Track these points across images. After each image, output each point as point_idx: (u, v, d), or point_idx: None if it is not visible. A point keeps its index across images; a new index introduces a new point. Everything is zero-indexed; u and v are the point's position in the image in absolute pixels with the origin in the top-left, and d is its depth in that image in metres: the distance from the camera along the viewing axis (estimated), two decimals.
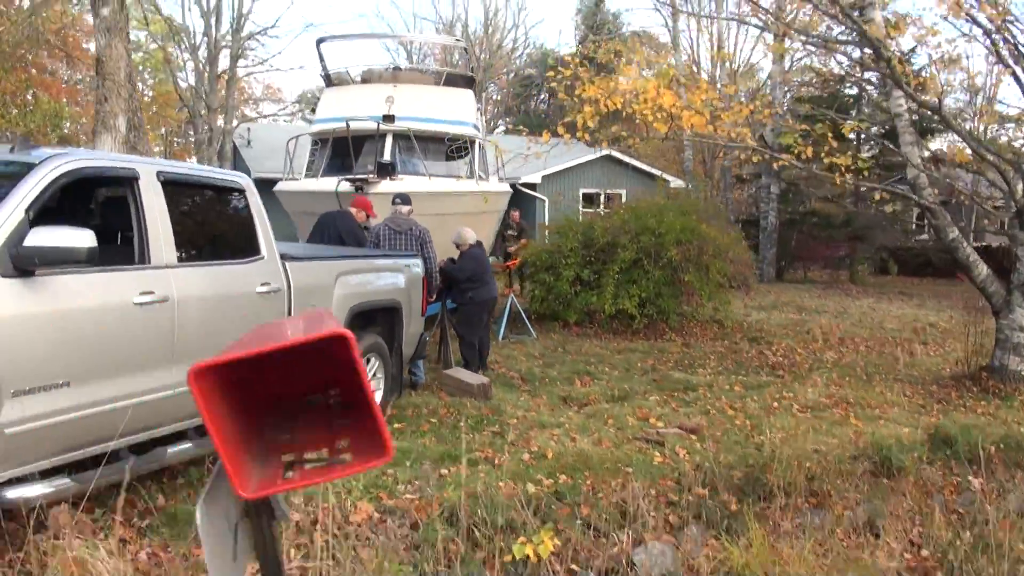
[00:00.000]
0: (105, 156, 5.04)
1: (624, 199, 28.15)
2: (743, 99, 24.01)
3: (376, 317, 7.17)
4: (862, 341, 13.31)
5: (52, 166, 4.41)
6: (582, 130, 8.87)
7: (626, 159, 28.98)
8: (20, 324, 3.99)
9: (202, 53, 23.67)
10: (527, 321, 12.78)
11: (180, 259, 5.06)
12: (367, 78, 13.87)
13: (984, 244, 20.88)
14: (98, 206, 5.70)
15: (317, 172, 12.62)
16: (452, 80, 14.25)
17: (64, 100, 25.28)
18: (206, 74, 22.94)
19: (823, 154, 9.14)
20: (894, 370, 10.88)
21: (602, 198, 27.86)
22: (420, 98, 12.98)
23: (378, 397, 7.24)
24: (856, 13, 9.84)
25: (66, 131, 24.01)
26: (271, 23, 48.15)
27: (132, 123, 10.70)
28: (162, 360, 4.88)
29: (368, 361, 7.11)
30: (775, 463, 6.19)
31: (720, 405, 8.61)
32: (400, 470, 5.99)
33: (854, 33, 10.09)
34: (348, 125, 11.64)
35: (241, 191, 5.90)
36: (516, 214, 17.06)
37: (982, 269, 9.55)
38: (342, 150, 12.15)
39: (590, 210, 26.84)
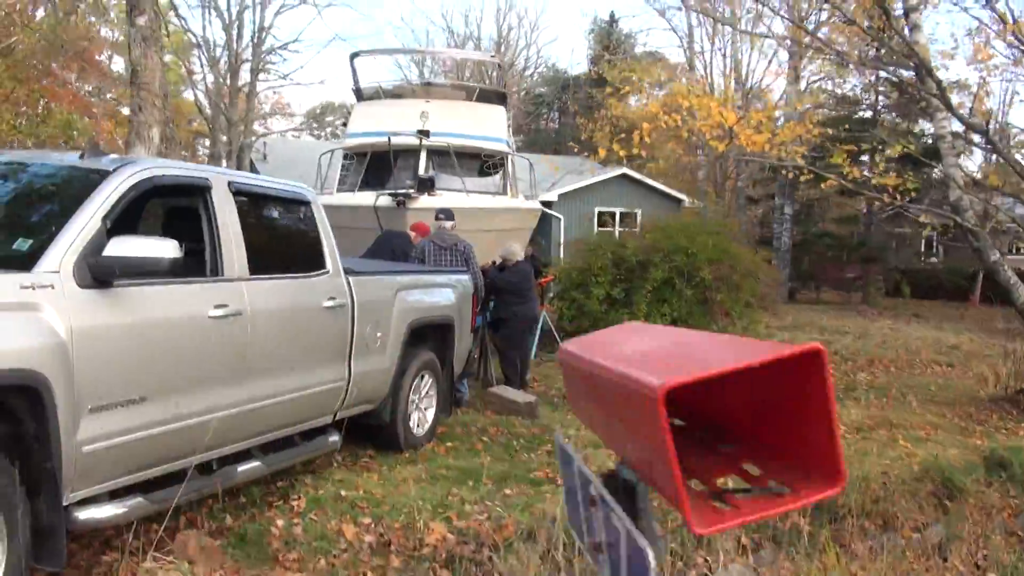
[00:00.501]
0: (177, 165, 4.92)
1: (639, 218, 28.11)
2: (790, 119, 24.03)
3: (428, 333, 7.04)
4: (890, 363, 13.19)
5: (127, 174, 4.28)
6: (639, 146, 8.77)
7: (641, 178, 28.95)
8: (97, 337, 3.85)
9: (223, 66, 23.63)
10: (558, 339, 12.65)
11: (252, 272, 4.93)
12: (399, 93, 13.82)
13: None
14: (167, 216, 5.58)
15: (353, 187, 12.51)
16: (484, 96, 14.19)
17: (75, 111, 25.18)
18: (227, 87, 22.90)
19: (876, 175, 9.04)
20: (929, 392, 10.77)
21: (617, 217, 27.79)
22: (454, 113, 12.91)
23: (430, 416, 7.11)
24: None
25: (79, 142, 23.96)
26: (293, 37, 48.33)
27: (164, 134, 10.61)
28: (234, 376, 4.75)
29: (422, 378, 6.98)
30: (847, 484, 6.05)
31: None
32: (464, 490, 5.85)
33: (892, 54, 10.02)
34: (390, 139, 11.55)
35: (307, 203, 5.80)
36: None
37: (1022, 292, 9.46)
38: (378, 164, 12.06)
39: (606, 229, 26.84)
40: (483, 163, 12.83)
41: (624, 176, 28.49)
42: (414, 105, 13.14)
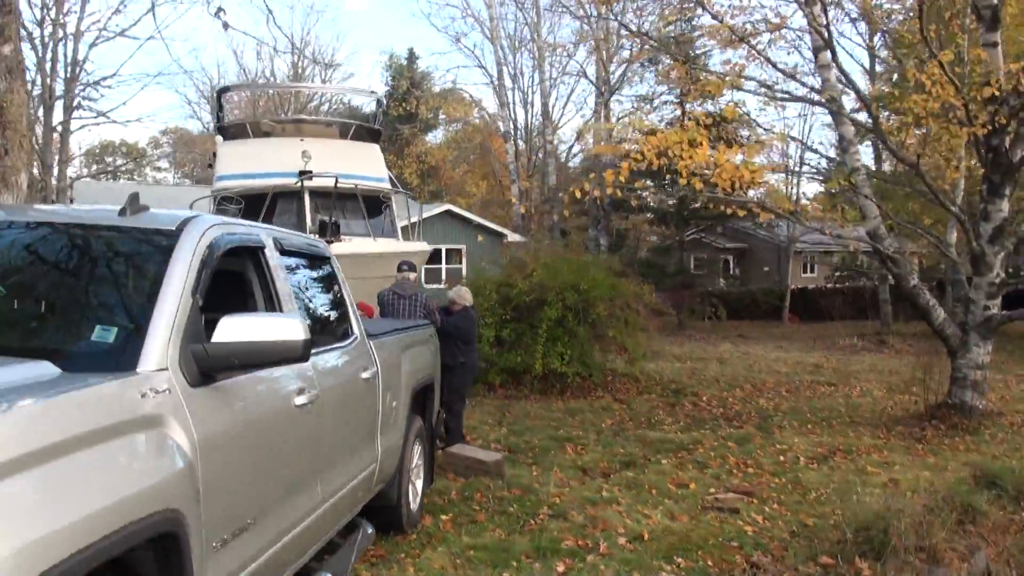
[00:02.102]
0: (232, 221, 4.01)
1: (464, 254, 27.92)
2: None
3: (418, 397, 6.32)
4: (774, 387, 13.61)
5: (198, 233, 3.38)
6: (612, 186, 8.44)
7: (465, 214, 28.83)
8: (218, 448, 2.95)
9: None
10: None
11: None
12: (268, 130, 12.75)
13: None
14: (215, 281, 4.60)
15: None
16: (358, 133, 13.41)
17: None
18: (39, 127, 20.29)
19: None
20: (841, 413, 11.13)
21: (444, 254, 27.46)
22: (334, 152, 12.06)
23: (419, 487, 6.38)
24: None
25: None
26: (111, 71, 44.05)
27: (32, 179, 9.18)
28: (313, 474, 3.92)
29: (415, 448, 6.24)
30: (879, 520, 5.97)
31: (731, 464, 8.35)
32: (514, 573, 5.22)
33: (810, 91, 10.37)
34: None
35: (327, 259, 5.00)
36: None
37: (940, 313, 9.98)
38: (255, 209, 10.98)
39: (433, 266, 26.41)
40: (368, 203, 12.04)
41: (449, 212, 28.26)
42: (289, 144, 12.17)
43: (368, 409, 4.87)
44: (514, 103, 30.96)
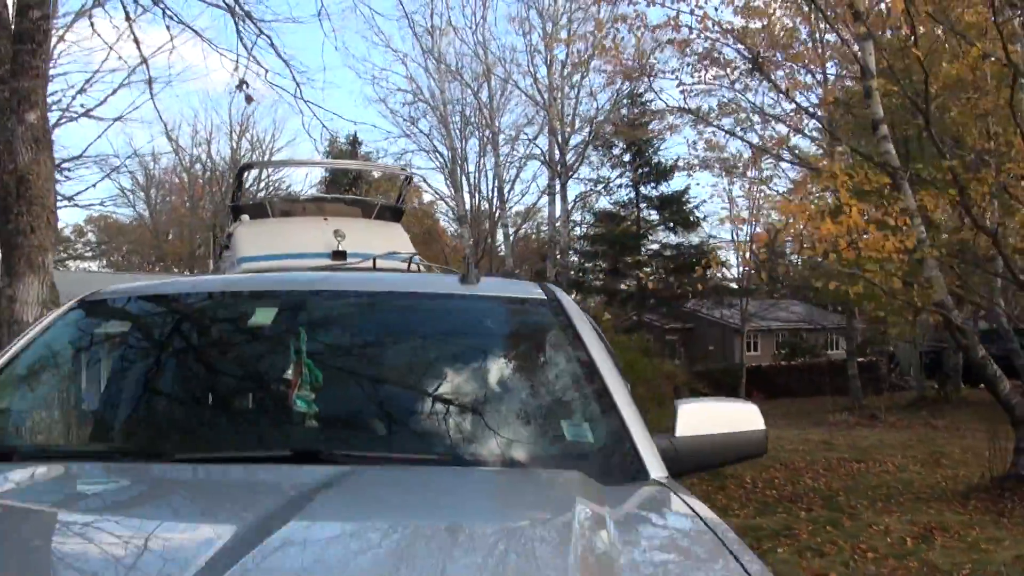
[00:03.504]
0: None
1: None
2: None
3: None
4: (806, 466, 13.31)
5: (570, 300, 2.88)
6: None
7: None
8: None
9: None
10: None
11: None
12: (288, 209, 12.00)
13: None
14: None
15: None
16: (381, 213, 12.76)
17: None
18: None
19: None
20: (898, 491, 10.84)
21: None
22: (364, 232, 11.37)
23: None
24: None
25: None
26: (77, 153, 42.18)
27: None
28: None
29: None
30: None
31: (845, 549, 7.90)
32: None
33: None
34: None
35: None
36: None
37: (1006, 385, 9.89)
38: None
39: None
40: None
41: None
42: (313, 223, 11.44)
43: None
44: (468, 186, 30.79)
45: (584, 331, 2.63)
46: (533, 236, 38.58)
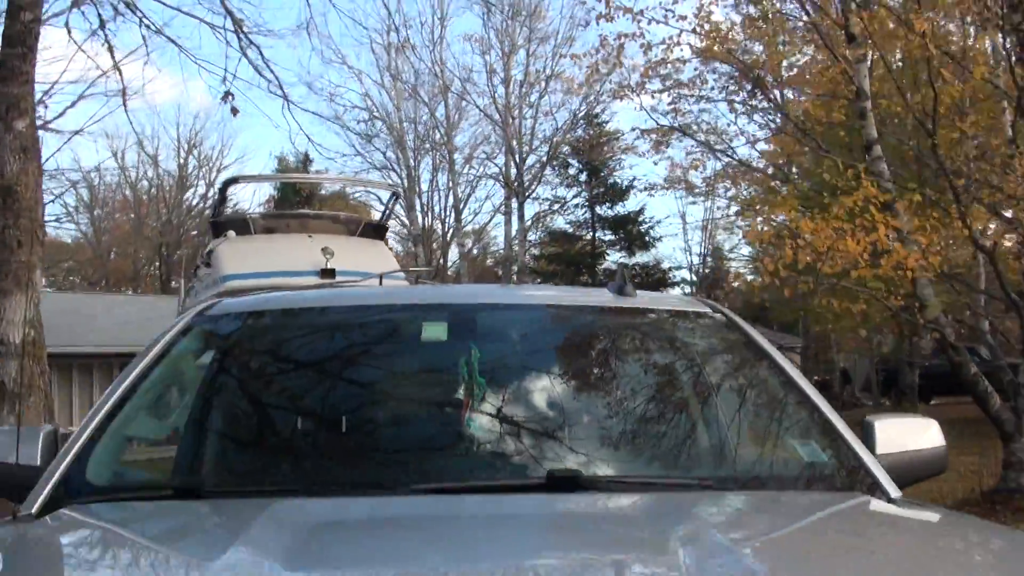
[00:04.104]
0: None
1: None
2: None
3: None
4: None
5: (735, 316, 2.76)
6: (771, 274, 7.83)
7: None
8: None
9: None
10: None
11: None
12: (271, 227, 11.63)
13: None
14: None
15: None
16: (365, 230, 12.46)
17: None
18: None
19: None
20: None
21: None
22: (351, 250, 11.08)
23: None
24: None
25: None
26: None
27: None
28: None
29: None
30: None
31: None
32: None
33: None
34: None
35: None
36: None
37: (996, 400, 9.98)
38: None
39: None
40: None
41: None
42: (297, 240, 11.13)
43: None
44: (421, 205, 30.52)
45: (767, 347, 2.50)
46: (488, 255, 38.46)
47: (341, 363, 2.50)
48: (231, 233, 11.04)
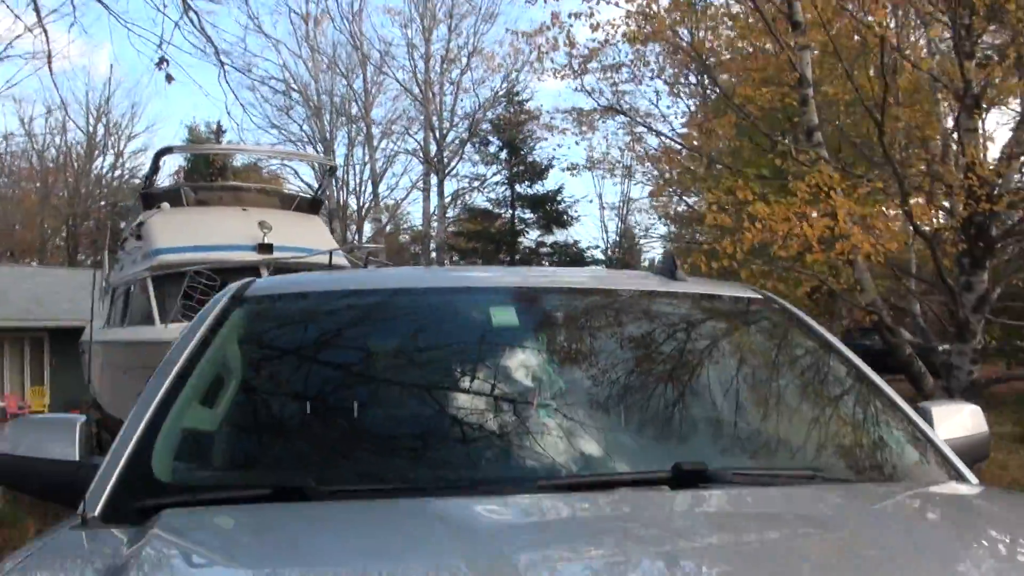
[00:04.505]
0: None
1: None
2: None
3: None
4: None
5: (785, 303, 2.73)
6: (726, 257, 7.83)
7: None
8: None
9: None
10: None
11: None
12: (203, 199, 11.12)
13: None
14: None
15: (169, 316, 9.45)
16: (300, 204, 12.04)
17: None
18: None
19: None
20: None
21: None
22: (287, 224, 10.69)
23: None
24: None
25: None
26: None
27: None
28: None
29: None
30: None
31: None
32: None
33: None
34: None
35: None
36: None
37: (931, 381, 10.33)
38: (200, 288, 9.33)
39: None
40: None
41: None
42: (231, 214, 10.68)
43: None
44: (336, 180, 29.87)
45: (829, 336, 2.47)
46: (402, 232, 38.04)
47: (416, 351, 2.34)
48: (165, 205, 10.55)
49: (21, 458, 2.08)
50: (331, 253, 9.62)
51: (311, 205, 12.32)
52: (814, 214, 7.61)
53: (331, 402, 2.16)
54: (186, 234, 10.16)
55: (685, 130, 17.82)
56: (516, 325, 2.38)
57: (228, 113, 37.87)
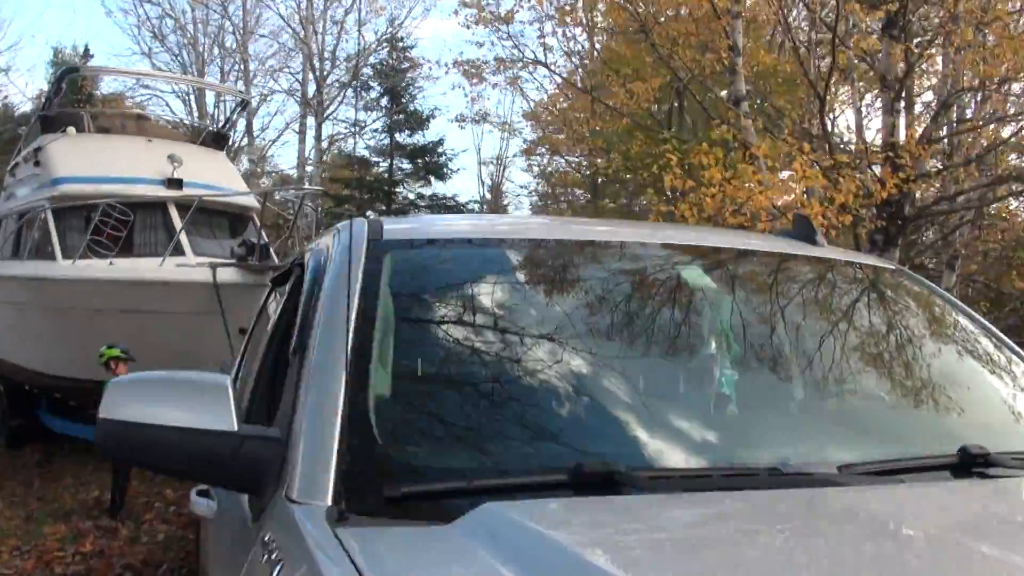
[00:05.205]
0: None
1: None
2: None
3: None
4: None
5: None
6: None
7: None
8: None
9: None
10: None
11: None
12: (106, 126, 10.11)
13: None
14: None
15: (76, 253, 8.56)
16: (206, 139, 11.15)
17: None
18: None
19: None
20: None
21: None
22: (195, 159, 9.89)
23: None
24: None
25: None
26: None
27: None
28: None
29: None
30: None
31: None
32: None
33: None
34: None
35: None
36: None
37: None
38: (107, 224, 8.54)
39: None
40: (234, 222, 9.98)
41: None
42: (136, 144, 9.81)
43: None
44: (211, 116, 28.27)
45: (969, 310, 2.41)
46: (267, 175, 36.49)
47: (625, 314, 2.07)
48: (71, 130, 9.58)
49: (148, 426, 1.65)
50: (265, 194, 9.03)
51: (216, 140, 11.50)
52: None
53: (575, 373, 1.84)
54: (90, 163, 9.28)
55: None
56: (713, 288, 2.18)
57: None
